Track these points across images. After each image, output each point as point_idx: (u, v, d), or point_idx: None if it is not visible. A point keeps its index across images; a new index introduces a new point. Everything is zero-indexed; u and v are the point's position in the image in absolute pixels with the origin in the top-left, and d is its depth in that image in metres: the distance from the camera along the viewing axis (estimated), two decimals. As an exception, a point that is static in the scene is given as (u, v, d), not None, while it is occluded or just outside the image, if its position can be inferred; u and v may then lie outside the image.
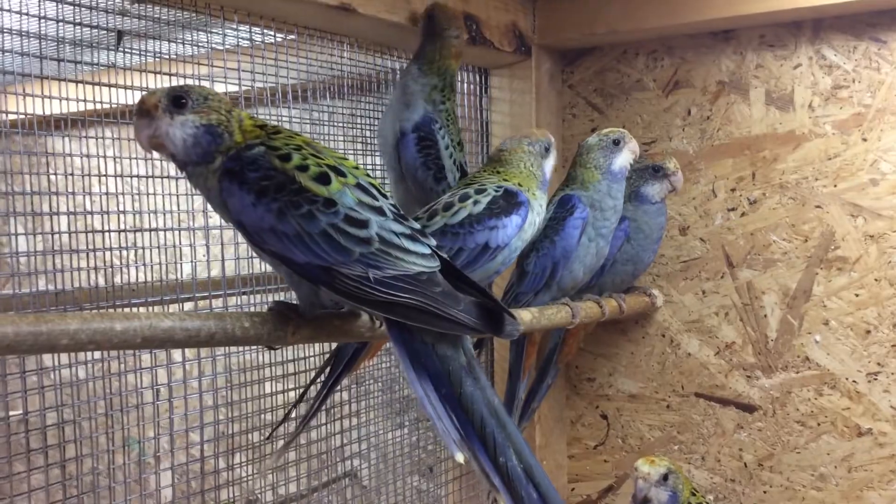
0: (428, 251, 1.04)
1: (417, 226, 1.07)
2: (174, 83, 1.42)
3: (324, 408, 1.77)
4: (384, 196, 1.06)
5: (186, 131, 1.02)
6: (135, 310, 1.45)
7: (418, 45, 1.66)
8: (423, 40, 1.66)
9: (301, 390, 1.60)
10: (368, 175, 1.08)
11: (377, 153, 1.88)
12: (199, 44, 1.53)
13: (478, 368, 1.04)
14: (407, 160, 1.65)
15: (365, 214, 1.01)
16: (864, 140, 1.80)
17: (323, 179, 1.01)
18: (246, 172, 1.01)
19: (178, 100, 1.02)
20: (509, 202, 1.42)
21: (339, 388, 1.75)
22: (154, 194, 1.55)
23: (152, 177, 1.54)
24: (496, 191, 1.43)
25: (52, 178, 1.48)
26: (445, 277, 1.04)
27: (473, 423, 1.00)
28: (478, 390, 1.01)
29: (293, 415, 1.58)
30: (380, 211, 1.03)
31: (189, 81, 1.41)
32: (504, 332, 1.03)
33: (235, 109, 1.06)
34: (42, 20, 1.30)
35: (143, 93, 1.06)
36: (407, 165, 1.65)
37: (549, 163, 1.56)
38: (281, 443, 1.61)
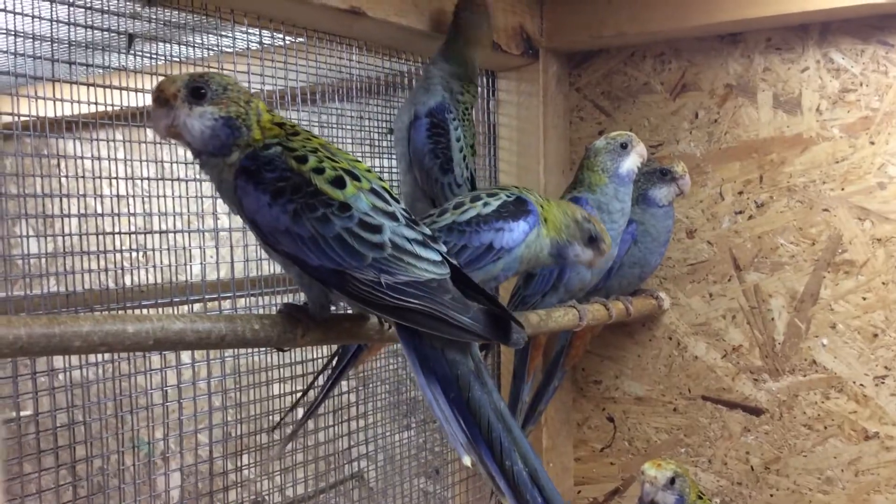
0: (439, 258, 1.04)
1: (428, 231, 1.07)
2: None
3: (330, 410, 1.78)
4: (396, 201, 1.06)
5: (205, 123, 1.01)
6: (145, 311, 1.45)
7: (447, 34, 1.69)
8: (449, 28, 1.68)
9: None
10: (381, 179, 1.08)
11: (385, 156, 1.88)
12: (210, 47, 1.54)
13: (485, 373, 1.05)
14: (416, 145, 1.64)
15: (379, 219, 1.02)
16: (872, 143, 1.80)
17: (338, 183, 1.01)
18: (262, 172, 1.01)
19: (197, 91, 1.01)
20: (518, 208, 1.42)
21: (344, 384, 1.76)
22: (163, 196, 1.56)
23: (161, 179, 1.55)
24: (508, 196, 1.43)
25: (63, 180, 1.49)
26: (454, 284, 1.04)
27: (480, 427, 1.00)
28: (485, 395, 1.02)
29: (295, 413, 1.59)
30: (393, 216, 1.03)
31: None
32: (511, 340, 1.04)
33: (254, 100, 1.05)
34: (54, 23, 1.30)
35: (161, 78, 1.04)
36: (415, 151, 1.65)
37: (580, 249, 1.45)
38: (288, 442, 1.61)
